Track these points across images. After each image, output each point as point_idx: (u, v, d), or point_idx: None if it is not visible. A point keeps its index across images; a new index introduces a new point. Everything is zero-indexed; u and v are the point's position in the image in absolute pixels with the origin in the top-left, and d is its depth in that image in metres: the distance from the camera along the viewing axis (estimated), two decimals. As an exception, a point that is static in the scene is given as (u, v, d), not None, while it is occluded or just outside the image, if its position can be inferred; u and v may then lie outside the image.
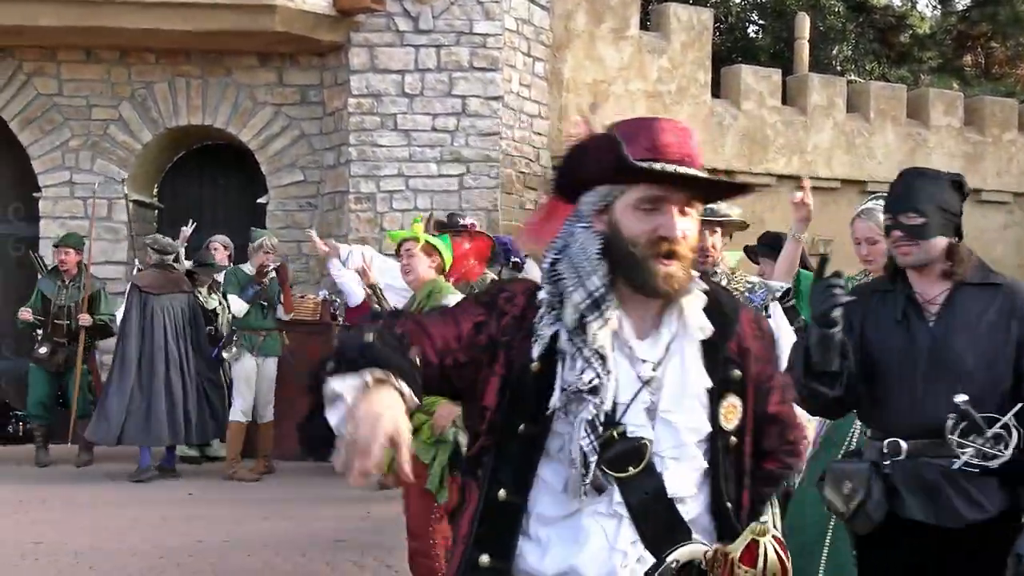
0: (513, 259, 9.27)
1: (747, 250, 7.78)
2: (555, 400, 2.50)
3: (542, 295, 2.58)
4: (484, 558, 2.53)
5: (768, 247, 7.34)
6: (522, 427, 2.53)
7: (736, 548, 2.44)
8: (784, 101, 15.97)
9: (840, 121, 16.16)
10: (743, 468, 2.68)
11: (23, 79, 13.16)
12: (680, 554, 2.48)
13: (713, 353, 2.63)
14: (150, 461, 10.38)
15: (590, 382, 2.48)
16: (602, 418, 2.48)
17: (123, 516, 8.71)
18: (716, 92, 15.61)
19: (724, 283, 4.94)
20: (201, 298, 10.96)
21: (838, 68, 20.91)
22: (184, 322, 10.50)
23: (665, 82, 14.76)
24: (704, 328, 2.62)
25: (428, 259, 6.26)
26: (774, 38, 21.63)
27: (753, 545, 2.44)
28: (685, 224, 2.57)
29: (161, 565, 7.31)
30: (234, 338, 10.55)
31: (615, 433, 2.50)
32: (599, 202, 2.59)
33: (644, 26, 15.58)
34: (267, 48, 13.02)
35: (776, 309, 5.15)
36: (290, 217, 13.19)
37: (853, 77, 20.16)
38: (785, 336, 4.92)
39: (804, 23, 17.58)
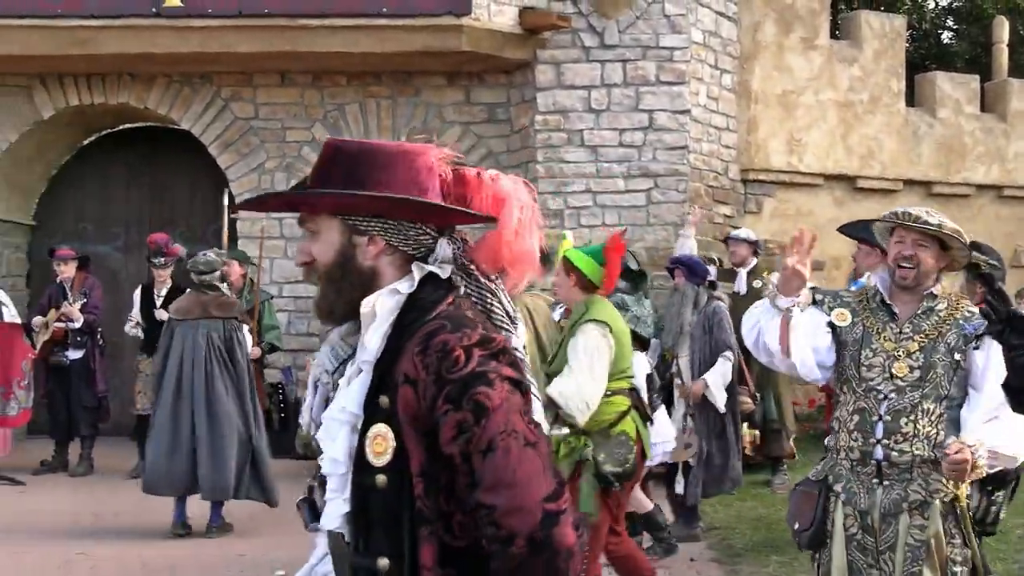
0: (709, 279, 9.15)
1: None
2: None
3: None
4: None
5: None
6: None
7: None
8: (983, 108, 15.44)
9: (1043, 127, 15.56)
10: (414, 518, 2.31)
11: (221, 104, 13.56)
12: None
13: (378, 377, 2.38)
14: (183, 516, 8.97)
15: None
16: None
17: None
18: (910, 100, 15.19)
19: (943, 307, 4.54)
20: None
21: (1039, 72, 20.14)
22: (214, 353, 8.95)
23: (857, 91, 14.42)
24: (371, 349, 2.40)
25: (568, 278, 6.17)
26: (971, 43, 20.97)
27: None
28: (313, 246, 2.51)
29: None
30: None
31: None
32: None
33: (834, 35, 15.25)
34: (455, 67, 13.15)
35: (989, 342, 4.43)
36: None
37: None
38: (994, 371, 4.41)
39: (1002, 27, 16.96)
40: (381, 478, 2.32)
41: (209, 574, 7.60)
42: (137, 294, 11.62)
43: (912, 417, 4.44)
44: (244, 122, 13.55)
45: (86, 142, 14.91)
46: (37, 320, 11.72)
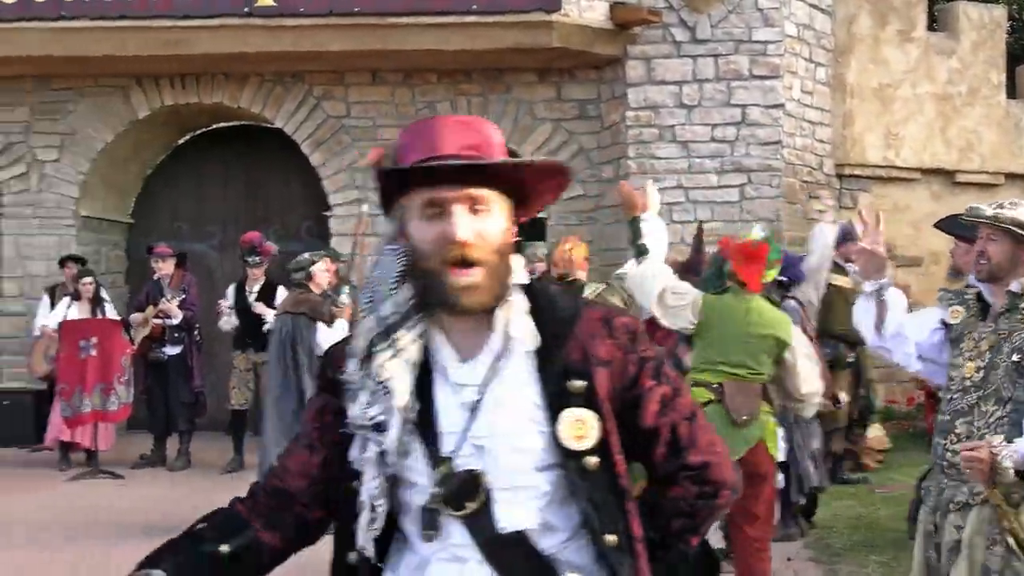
0: (789, 277, 8.97)
1: None
2: (354, 447, 2.30)
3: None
4: None
5: None
6: (351, 484, 2.34)
7: None
8: (1087, 99, 15.12)
9: None
10: (621, 493, 2.32)
11: (313, 102, 13.67)
12: None
13: (548, 365, 2.30)
14: None
15: (372, 418, 2.25)
16: (387, 456, 2.25)
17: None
18: (1011, 92, 14.88)
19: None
20: None
21: None
22: (286, 350, 8.95)
23: (955, 83, 14.17)
24: (530, 338, 2.31)
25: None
26: (1073, 34, 20.53)
27: None
28: (479, 224, 2.25)
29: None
30: None
31: (446, 467, 2.25)
32: (395, 220, 2.34)
33: (931, 27, 14.99)
34: (545, 64, 13.12)
35: None
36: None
37: None
38: None
39: (1106, 16, 16.60)
40: (592, 460, 2.29)
41: (303, 568, 7.64)
42: (231, 290, 11.74)
43: (968, 418, 4.35)
44: (336, 120, 13.64)
45: (181, 141, 15.11)
46: (136, 316, 11.88)
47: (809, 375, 6.25)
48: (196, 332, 12.10)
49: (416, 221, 2.28)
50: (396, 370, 2.26)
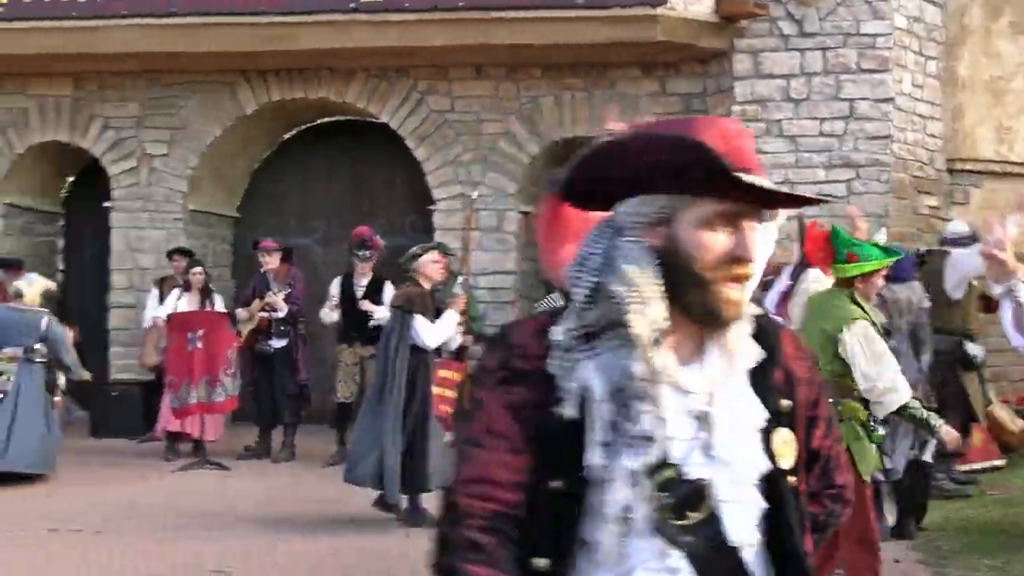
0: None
1: None
2: (594, 453, 2.12)
3: (563, 328, 2.17)
4: None
5: None
6: (554, 484, 2.16)
7: None
8: None
9: None
10: (803, 511, 2.33)
11: (417, 97, 13.72)
12: None
13: (761, 382, 2.25)
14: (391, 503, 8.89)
15: (646, 429, 2.12)
16: (652, 464, 2.11)
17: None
18: None
19: None
20: None
21: None
22: (389, 343, 8.91)
23: (1072, 76, 13.80)
24: (753, 354, 2.24)
25: None
26: None
27: None
28: (757, 243, 2.19)
29: None
30: None
31: (670, 476, 2.14)
32: (653, 214, 2.16)
33: (1047, 18, 14.61)
34: (650, 58, 13.03)
35: None
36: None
37: None
38: None
39: None
40: (792, 479, 2.29)
41: (400, 564, 7.67)
42: (336, 284, 11.82)
43: None
44: (440, 115, 13.67)
45: (287, 136, 15.26)
46: (241, 311, 12.03)
47: (869, 371, 6.04)
48: (301, 325, 12.21)
49: (697, 228, 2.15)
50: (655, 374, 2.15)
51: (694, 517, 2.16)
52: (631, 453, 2.13)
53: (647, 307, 2.12)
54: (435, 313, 9.13)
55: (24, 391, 10.55)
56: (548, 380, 2.17)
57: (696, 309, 2.16)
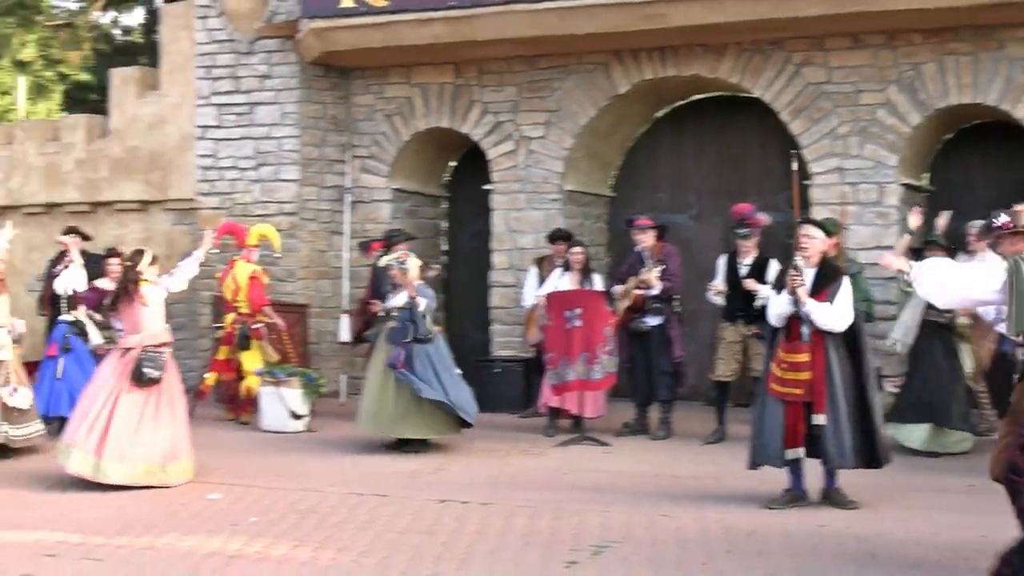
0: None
1: None
2: None
3: None
4: None
5: None
6: None
7: None
8: None
9: None
10: None
11: (792, 70, 13.46)
12: None
13: None
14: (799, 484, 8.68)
15: None
16: None
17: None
18: None
19: None
20: None
21: None
22: None
23: None
24: None
25: None
26: None
27: None
28: None
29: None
30: None
31: None
32: None
33: None
34: (1042, 16, 12.26)
35: None
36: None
37: None
38: None
39: None
40: None
41: (788, 542, 7.53)
42: (722, 262, 11.73)
43: None
44: (815, 87, 13.37)
45: (659, 114, 15.29)
46: (618, 288, 12.13)
47: None
48: (676, 303, 12.19)
49: None
50: None
51: None
52: None
53: None
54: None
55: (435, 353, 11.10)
56: None
57: None
